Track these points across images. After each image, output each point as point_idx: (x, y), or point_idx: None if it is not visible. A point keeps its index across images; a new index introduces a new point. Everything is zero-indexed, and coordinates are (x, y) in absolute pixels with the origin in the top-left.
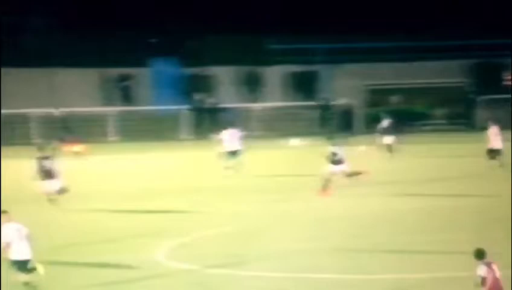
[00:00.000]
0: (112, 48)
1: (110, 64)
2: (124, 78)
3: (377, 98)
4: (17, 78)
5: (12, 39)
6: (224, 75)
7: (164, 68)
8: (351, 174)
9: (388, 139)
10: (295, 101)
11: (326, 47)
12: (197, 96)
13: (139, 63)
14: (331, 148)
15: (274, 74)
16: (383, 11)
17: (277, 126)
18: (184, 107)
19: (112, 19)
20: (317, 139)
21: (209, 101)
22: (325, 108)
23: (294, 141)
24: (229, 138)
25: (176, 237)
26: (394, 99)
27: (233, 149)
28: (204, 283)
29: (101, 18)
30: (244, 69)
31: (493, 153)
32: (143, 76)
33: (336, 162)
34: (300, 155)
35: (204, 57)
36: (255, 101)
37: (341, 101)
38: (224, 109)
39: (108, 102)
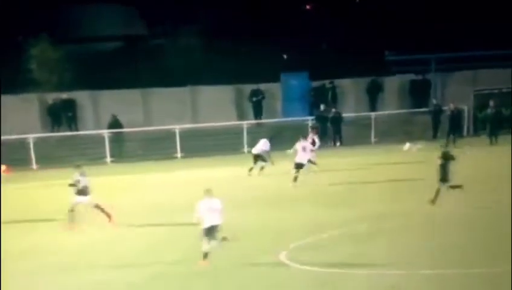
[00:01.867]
0: (247, 64)
1: (245, 80)
2: (256, 93)
3: (483, 102)
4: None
5: (155, 60)
6: (347, 86)
7: (293, 82)
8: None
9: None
10: (411, 108)
11: (438, 57)
12: (321, 107)
13: (270, 78)
14: (76, 176)
15: (393, 84)
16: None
17: (393, 132)
18: (310, 118)
19: (247, 35)
20: (431, 143)
21: (333, 111)
22: (437, 113)
23: (409, 145)
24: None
25: (297, 239)
26: (494, 103)
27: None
28: (324, 283)
29: (238, 35)
30: (366, 80)
31: None
32: (273, 90)
33: (80, 192)
34: (414, 159)
35: (329, 70)
36: (374, 109)
37: (452, 105)
38: (341, 119)
39: (241, 116)
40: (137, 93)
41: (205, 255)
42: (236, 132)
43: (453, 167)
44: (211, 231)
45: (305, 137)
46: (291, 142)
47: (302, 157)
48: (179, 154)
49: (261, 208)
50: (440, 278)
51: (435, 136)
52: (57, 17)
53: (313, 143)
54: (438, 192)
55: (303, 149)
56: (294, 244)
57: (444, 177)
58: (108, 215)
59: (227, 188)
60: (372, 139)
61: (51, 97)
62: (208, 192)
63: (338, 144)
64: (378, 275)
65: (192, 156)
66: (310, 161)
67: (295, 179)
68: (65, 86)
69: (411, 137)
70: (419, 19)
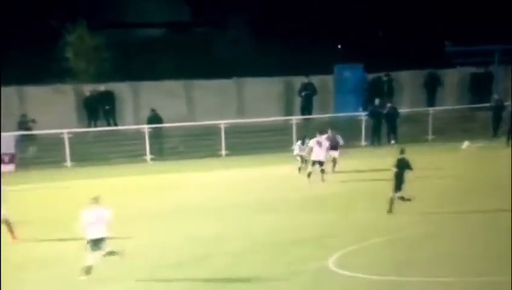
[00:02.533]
0: (297, 56)
1: (295, 72)
2: (306, 86)
3: None
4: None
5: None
6: (404, 79)
7: (348, 74)
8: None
9: None
10: (471, 103)
11: (502, 48)
12: (376, 102)
13: (323, 70)
14: None
15: (452, 76)
16: None
17: (452, 129)
18: (363, 113)
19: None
20: (491, 142)
21: (388, 106)
22: (499, 109)
23: (468, 144)
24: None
25: (345, 245)
26: None
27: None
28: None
29: (289, 24)
30: (424, 72)
31: None
32: (326, 83)
33: None
34: (473, 158)
35: (386, 62)
36: (432, 104)
37: None
38: (397, 114)
39: (291, 111)
40: (179, 86)
41: (88, 270)
42: (284, 128)
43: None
44: (96, 244)
45: (322, 133)
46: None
47: (318, 154)
48: (223, 152)
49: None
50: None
51: (495, 135)
52: (96, 1)
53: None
54: (391, 201)
55: (318, 145)
56: (342, 251)
57: (397, 186)
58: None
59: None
60: (430, 136)
61: (88, 89)
62: (95, 200)
63: (393, 142)
64: (431, 283)
65: (237, 154)
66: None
67: (309, 175)
68: (103, 76)
69: (470, 135)
70: (481, 7)
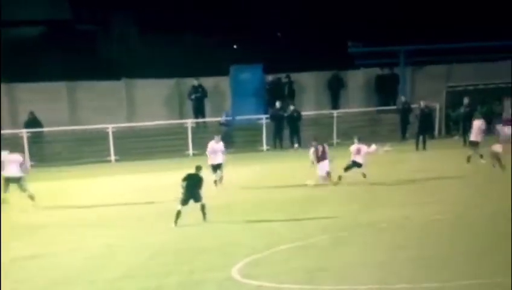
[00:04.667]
0: (189, 56)
1: (187, 73)
2: (196, 89)
3: (457, 100)
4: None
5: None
6: (306, 81)
7: (246, 76)
8: None
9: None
10: (377, 105)
11: (407, 49)
12: (277, 104)
13: (218, 71)
14: None
15: (357, 78)
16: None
17: (358, 132)
18: (264, 116)
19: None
20: (399, 145)
21: (291, 109)
22: (406, 111)
23: (375, 147)
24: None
25: (250, 253)
26: (468, 100)
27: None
28: None
29: (180, 22)
30: (327, 73)
31: None
32: (220, 85)
33: None
34: (381, 161)
35: (286, 63)
36: (336, 107)
37: (422, 103)
38: (300, 117)
39: (184, 114)
40: (62, 87)
41: None
42: (179, 132)
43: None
44: None
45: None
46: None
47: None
48: (112, 157)
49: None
50: None
51: (403, 137)
52: None
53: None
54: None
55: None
56: (247, 259)
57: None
58: None
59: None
60: (335, 140)
61: None
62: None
63: (296, 145)
64: None
65: (128, 160)
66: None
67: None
68: None
69: (378, 138)
70: (387, 6)
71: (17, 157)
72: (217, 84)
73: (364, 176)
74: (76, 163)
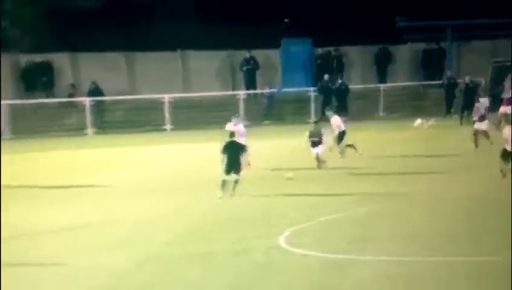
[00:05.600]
0: (242, 29)
1: (240, 46)
2: (248, 61)
3: (502, 75)
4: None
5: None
6: (354, 55)
7: (296, 49)
8: None
9: None
10: (423, 80)
11: (454, 24)
12: (325, 77)
13: (270, 44)
14: None
15: (404, 53)
16: None
17: (403, 106)
18: (312, 89)
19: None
20: (443, 119)
21: (339, 82)
22: (451, 86)
23: (420, 121)
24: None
25: (293, 223)
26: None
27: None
28: (325, 269)
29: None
30: (375, 48)
31: None
32: (271, 58)
33: None
34: (425, 136)
35: (336, 37)
36: (383, 81)
37: (467, 78)
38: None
39: (236, 86)
40: (121, 57)
41: None
42: (231, 103)
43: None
44: None
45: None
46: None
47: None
48: (168, 127)
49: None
50: (449, 265)
51: (448, 112)
52: None
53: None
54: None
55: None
56: (293, 229)
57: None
58: None
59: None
60: (380, 113)
61: (24, 59)
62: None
63: (344, 118)
64: (385, 262)
65: (183, 129)
66: None
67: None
68: (41, 47)
69: (422, 112)
70: None
71: None
72: (269, 57)
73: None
74: (133, 131)
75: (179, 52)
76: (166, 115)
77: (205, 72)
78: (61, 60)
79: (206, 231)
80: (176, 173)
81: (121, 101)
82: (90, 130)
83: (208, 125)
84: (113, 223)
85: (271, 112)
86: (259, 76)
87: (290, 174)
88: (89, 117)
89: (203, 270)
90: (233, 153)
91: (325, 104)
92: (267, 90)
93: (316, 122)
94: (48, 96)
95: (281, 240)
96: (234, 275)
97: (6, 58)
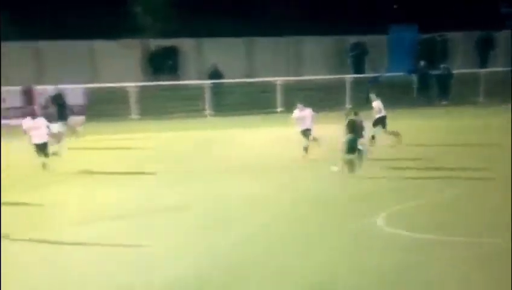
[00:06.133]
0: (350, 15)
1: (348, 31)
2: (356, 46)
3: None
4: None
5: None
6: (456, 40)
7: (402, 35)
8: None
9: None
10: None
11: None
12: (422, 63)
13: (377, 30)
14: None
15: (506, 39)
16: None
17: (503, 92)
18: (412, 74)
19: None
20: None
21: (442, 67)
22: None
23: None
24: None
25: (390, 205)
26: None
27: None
28: (413, 248)
29: None
30: (477, 33)
31: None
32: (379, 43)
33: None
34: None
35: (439, 23)
36: (485, 66)
37: None
38: (452, 75)
39: (344, 70)
40: (240, 43)
41: None
42: (338, 86)
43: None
44: None
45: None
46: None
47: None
48: (279, 109)
49: None
50: None
51: None
52: None
53: None
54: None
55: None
56: (389, 210)
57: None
58: None
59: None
60: (480, 99)
61: (154, 44)
62: None
63: (444, 102)
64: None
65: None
66: None
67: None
68: (168, 32)
69: None
70: None
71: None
72: (376, 42)
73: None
74: (248, 113)
75: (289, 38)
76: (278, 97)
77: (314, 56)
78: (186, 45)
79: (303, 213)
80: (283, 154)
81: (239, 84)
82: (208, 112)
83: (317, 107)
84: (218, 202)
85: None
86: (367, 61)
87: (334, 168)
88: (208, 99)
89: (300, 250)
90: (355, 130)
91: (421, 89)
92: (372, 75)
93: (355, 113)
94: (173, 79)
95: (378, 220)
96: (332, 252)
97: (137, 44)
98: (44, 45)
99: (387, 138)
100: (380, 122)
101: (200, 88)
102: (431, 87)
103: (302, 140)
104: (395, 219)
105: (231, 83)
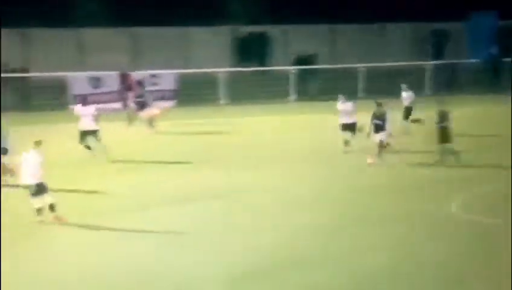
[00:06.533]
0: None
1: (425, 19)
2: (436, 33)
3: None
4: None
5: None
6: None
7: (483, 21)
8: None
9: None
10: None
11: None
12: (493, 50)
13: (458, 17)
14: None
15: None
16: None
17: None
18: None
19: None
20: None
21: None
22: None
23: None
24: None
25: (459, 191)
26: None
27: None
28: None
29: None
30: None
31: None
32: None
33: None
34: None
35: None
36: None
37: None
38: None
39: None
40: (326, 30)
41: None
42: (417, 71)
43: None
44: None
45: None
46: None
47: None
48: (360, 94)
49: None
50: None
51: None
52: None
53: None
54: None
55: None
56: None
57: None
58: None
59: None
60: None
61: (244, 31)
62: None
63: None
64: None
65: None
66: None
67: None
68: (258, 20)
69: None
70: None
71: (91, 109)
72: (456, 29)
73: None
74: (330, 98)
75: (375, 26)
76: (360, 84)
77: (399, 42)
78: (273, 32)
79: (376, 204)
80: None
81: (323, 70)
82: (292, 97)
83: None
84: (300, 184)
85: (453, 83)
86: (446, 47)
87: (370, 159)
88: (293, 85)
89: (360, 234)
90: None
91: (492, 76)
92: (449, 62)
93: (379, 104)
94: (260, 65)
95: (452, 207)
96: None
97: (227, 31)
98: (139, 31)
99: (408, 127)
100: (408, 112)
101: (285, 73)
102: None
103: (342, 134)
104: (469, 205)
105: (316, 68)
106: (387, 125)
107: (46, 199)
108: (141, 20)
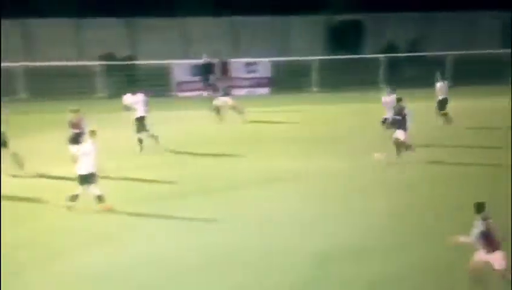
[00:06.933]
0: None
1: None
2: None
3: None
4: None
5: None
6: None
7: None
8: None
9: None
10: None
11: None
12: None
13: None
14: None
15: None
16: None
17: None
18: None
19: None
20: None
21: None
22: None
23: None
24: None
25: None
26: None
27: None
28: None
29: None
30: None
31: None
32: None
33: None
34: None
35: None
36: None
37: None
38: None
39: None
40: (416, 17)
41: None
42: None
43: None
44: None
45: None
46: None
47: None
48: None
49: None
50: None
51: None
52: None
53: None
54: None
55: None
56: None
57: None
58: None
59: None
60: None
61: (337, 19)
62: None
63: None
64: None
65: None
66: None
67: None
68: (351, 8)
69: None
70: None
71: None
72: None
73: None
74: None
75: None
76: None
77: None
78: (367, 20)
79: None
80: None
81: (410, 57)
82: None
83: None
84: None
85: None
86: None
87: (380, 155)
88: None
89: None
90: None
91: None
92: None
93: (399, 99)
94: (355, 54)
95: None
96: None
97: (319, 20)
98: (238, 20)
99: (438, 118)
100: (443, 104)
101: (376, 61)
102: None
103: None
104: None
105: (404, 56)
106: (409, 124)
107: (93, 190)
108: (240, 9)
